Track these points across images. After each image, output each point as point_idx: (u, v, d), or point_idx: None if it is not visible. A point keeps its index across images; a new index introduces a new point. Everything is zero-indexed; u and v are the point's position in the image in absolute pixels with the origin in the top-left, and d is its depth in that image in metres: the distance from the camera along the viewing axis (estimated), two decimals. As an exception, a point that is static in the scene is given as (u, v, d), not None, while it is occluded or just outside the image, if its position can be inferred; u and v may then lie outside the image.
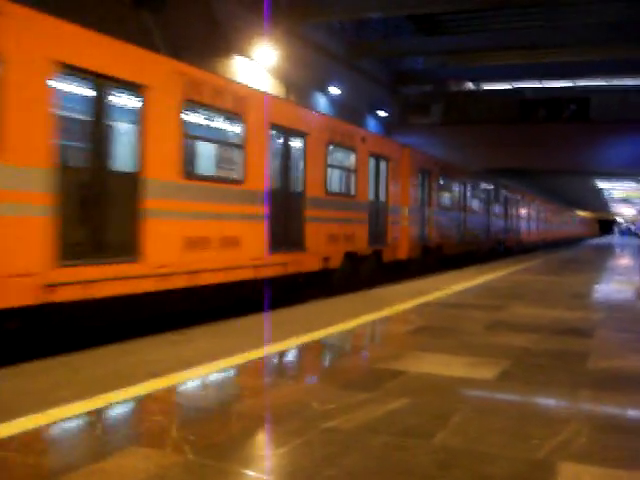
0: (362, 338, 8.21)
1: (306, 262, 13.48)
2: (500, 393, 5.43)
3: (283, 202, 12.83)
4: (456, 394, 5.31)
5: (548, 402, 5.27)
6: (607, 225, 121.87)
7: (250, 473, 3.62)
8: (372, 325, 8.93)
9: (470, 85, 51.08)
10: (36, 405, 4.60)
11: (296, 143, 13.59)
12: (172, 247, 9.70)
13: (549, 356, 6.82)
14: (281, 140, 12.99)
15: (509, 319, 9.46)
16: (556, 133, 40.11)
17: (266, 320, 9.26)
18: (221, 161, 12.30)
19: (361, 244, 16.06)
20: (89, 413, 4.55)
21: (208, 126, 11.84)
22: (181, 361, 6.16)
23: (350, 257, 15.53)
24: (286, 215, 12.94)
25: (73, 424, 4.39)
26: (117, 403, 4.79)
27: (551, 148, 39.73)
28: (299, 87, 30.10)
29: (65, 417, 4.44)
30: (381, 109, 40.25)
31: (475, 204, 28.81)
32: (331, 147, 14.87)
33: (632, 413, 5.10)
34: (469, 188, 27.47)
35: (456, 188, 25.46)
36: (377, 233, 17.04)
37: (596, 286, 16.08)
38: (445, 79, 46.57)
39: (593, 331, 8.54)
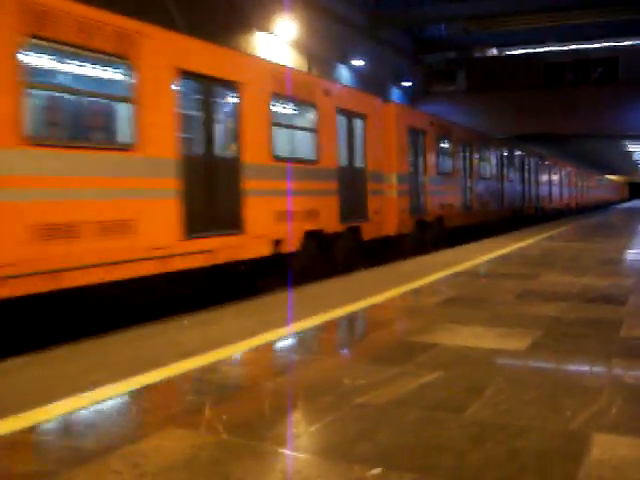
0: (391, 311, 8.19)
1: (246, 247, 11.28)
2: (532, 364, 5.40)
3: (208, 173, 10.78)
4: (488, 366, 5.29)
5: (580, 372, 5.23)
6: (638, 188, 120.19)
7: (284, 451, 3.64)
8: (401, 298, 8.91)
9: (494, 51, 50.47)
10: (71, 389, 4.66)
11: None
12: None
13: (581, 325, 6.77)
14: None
15: (539, 288, 9.40)
16: (583, 96, 39.65)
17: (291, 297, 9.29)
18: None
19: (329, 220, 13.89)
20: (123, 395, 4.61)
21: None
22: (210, 341, 6.19)
23: (314, 237, 13.43)
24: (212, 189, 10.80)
25: (108, 406, 4.44)
26: (150, 385, 4.84)
27: (578, 112, 39.28)
28: (321, 60, 29.94)
29: (100, 400, 4.49)
30: (405, 79, 39.93)
31: (484, 169, 26.27)
32: (277, 102, 12.54)
33: (667, 381, 5.05)
34: (476, 151, 24.96)
35: (459, 151, 22.95)
36: (352, 206, 14.80)
37: (628, 252, 15.89)
38: (468, 46, 46.09)
39: (626, 298, 8.44)
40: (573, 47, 47.07)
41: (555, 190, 41.89)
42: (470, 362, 5.37)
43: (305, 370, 5.30)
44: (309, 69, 28.17)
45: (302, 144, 13.53)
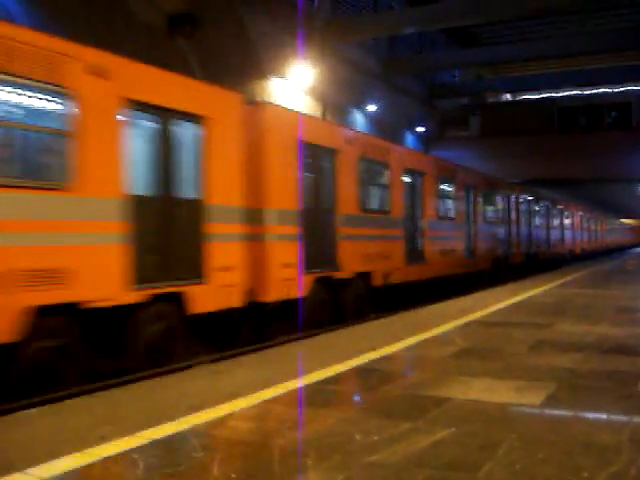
0: (402, 363, 8.09)
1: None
2: (547, 420, 5.31)
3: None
4: (502, 422, 5.18)
5: (597, 428, 5.11)
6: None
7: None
8: (412, 349, 8.81)
9: (507, 96, 50.80)
10: (79, 443, 4.60)
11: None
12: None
13: (597, 378, 6.67)
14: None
15: (553, 338, 9.28)
16: (596, 141, 39.68)
17: (301, 346, 9.23)
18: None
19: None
20: (130, 451, 4.54)
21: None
22: (220, 393, 6.12)
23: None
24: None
25: (115, 462, 4.37)
26: (158, 440, 4.77)
27: (591, 156, 39.29)
28: (336, 105, 30.16)
29: (107, 455, 4.43)
30: (418, 124, 40.15)
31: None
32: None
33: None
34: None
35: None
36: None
37: (643, 298, 15.78)
38: (481, 91, 46.42)
39: (642, 349, 8.33)
40: (586, 92, 47.33)
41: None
42: (484, 418, 5.27)
43: (316, 425, 5.21)
44: (324, 114, 28.36)
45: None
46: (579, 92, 47.62)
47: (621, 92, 45.39)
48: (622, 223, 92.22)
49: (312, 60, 26.02)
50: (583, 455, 4.37)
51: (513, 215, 28.45)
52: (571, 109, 42.97)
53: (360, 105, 33.16)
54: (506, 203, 27.56)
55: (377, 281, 15.50)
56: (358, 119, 33.12)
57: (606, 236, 67.24)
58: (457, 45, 43.16)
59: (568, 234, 42.52)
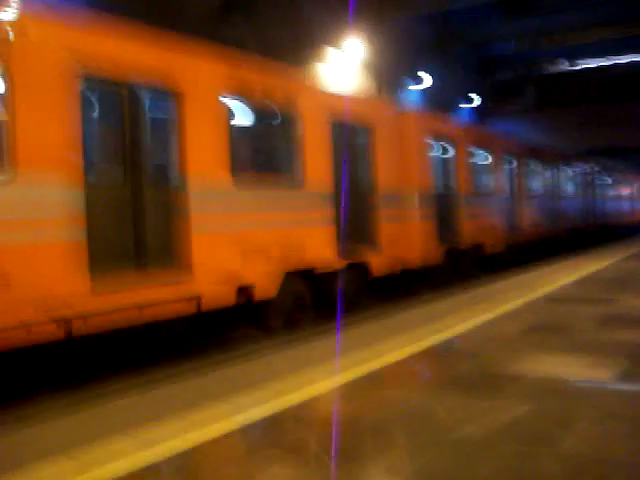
0: (475, 341, 8.28)
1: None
2: (622, 395, 5.46)
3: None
4: (578, 398, 5.36)
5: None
6: None
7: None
8: (483, 326, 8.99)
9: (564, 65, 49.83)
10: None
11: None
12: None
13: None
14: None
15: (622, 313, 9.36)
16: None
17: (373, 325, 9.52)
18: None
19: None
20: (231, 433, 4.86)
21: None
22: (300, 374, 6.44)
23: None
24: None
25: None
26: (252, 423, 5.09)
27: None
28: (390, 77, 30.12)
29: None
30: (473, 97, 39.80)
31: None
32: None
33: None
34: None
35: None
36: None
37: None
38: (538, 61, 45.59)
39: None
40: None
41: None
42: (559, 394, 5.46)
43: (402, 403, 5.47)
44: (379, 87, 28.36)
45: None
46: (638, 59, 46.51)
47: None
48: None
49: (366, 33, 25.99)
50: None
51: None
52: (629, 76, 42.04)
53: (415, 78, 33.01)
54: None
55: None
56: (413, 92, 33.00)
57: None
58: (512, 15, 42.45)
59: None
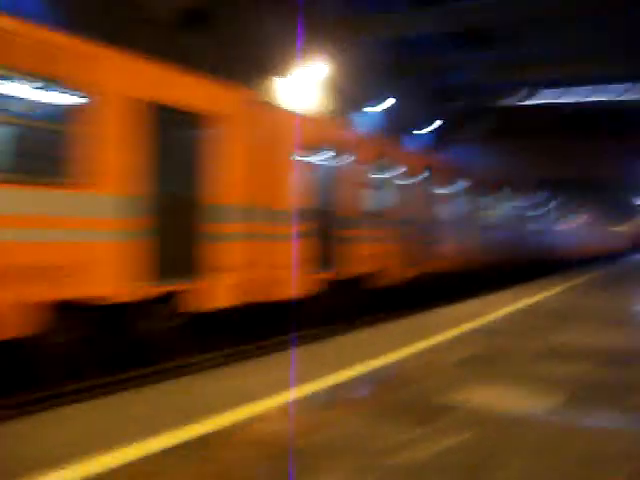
0: (412, 369, 8.30)
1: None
2: (555, 429, 5.49)
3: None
4: (512, 430, 5.39)
5: (604, 439, 5.28)
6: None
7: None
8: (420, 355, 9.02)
9: (516, 98, 50.78)
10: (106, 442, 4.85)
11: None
12: None
13: (603, 387, 6.87)
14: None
15: (557, 346, 9.48)
16: (598, 146, 39.92)
17: (307, 353, 9.46)
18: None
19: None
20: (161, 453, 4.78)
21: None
22: (240, 394, 6.37)
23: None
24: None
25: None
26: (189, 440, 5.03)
27: (598, 160, 39.46)
28: (348, 102, 30.35)
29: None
30: (427, 124, 40.31)
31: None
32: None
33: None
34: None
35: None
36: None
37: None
38: (493, 92, 46.39)
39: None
40: (596, 99, 47.35)
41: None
42: (493, 425, 5.49)
43: (334, 428, 5.45)
44: (335, 112, 28.55)
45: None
46: (587, 97, 47.65)
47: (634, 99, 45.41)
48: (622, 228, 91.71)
49: (325, 56, 26.20)
50: (590, 464, 4.59)
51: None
52: (579, 112, 43.02)
53: (370, 104, 33.31)
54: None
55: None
56: (368, 118, 33.28)
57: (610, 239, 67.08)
58: (470, 46, 43.18)
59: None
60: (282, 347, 10.49)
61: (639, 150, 38.61)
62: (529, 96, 48.64)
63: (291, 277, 12.08)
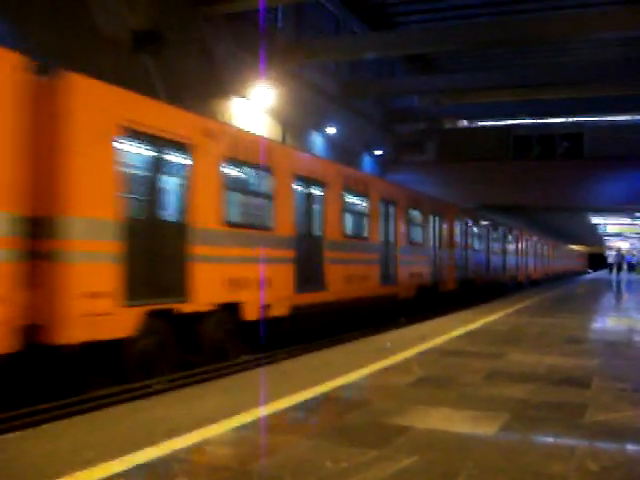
0: (362, 391, 8.43)
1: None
2: (501, 449, 5.67)
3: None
4: (460, 451, 5.54)
5: (547, 458, 5.46)
6: (599, 259, 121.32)
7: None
8: (370, 377, 9.16)
9: (464, 122, 51.77)
10: (62, 469, 4.85)
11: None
12: None
13: (547, 409, 7.08)
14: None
15: (506, 368, 9.71)
16: (550, 170, 40.73)
17: (265, 374, 9.55)
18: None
19: None
20: (116, 476, 4.80)
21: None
22: (195, 418, 6.41)
23: None
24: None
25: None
26: (140, 465, 5.04)
27: (545, 184, 40.28)
28: (295, 127, 30.56)
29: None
30: (376, 148, 40.76)
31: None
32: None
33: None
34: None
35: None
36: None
37: (591, 328, 16.38)
38: (439, 117, 47.26)
39: (590, 380, 8.79)
40: (541, 121, 48.57)
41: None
42: (443, 446, 5.63)
43: (288, 451, 5.52)
44: (283, 136, 28.75)
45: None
46: (533, 121, 48.84)
47: (574, 123, 46.66)
48: (573, 250, 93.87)
49: (273, 81, 26.42)
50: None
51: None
52: (525, 137, 43.96)
53: (319, 127, 33.62)
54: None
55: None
56: (317, 141, 33.57)
57: (557, 262, 68.17)
58: (416, 71, 43.97)
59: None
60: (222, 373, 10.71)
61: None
62: (477, 119, 49.67)
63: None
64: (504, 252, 38.53)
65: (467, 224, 30.28)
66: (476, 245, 31.97)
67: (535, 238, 52.27)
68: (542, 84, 38.43)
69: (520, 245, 44.05)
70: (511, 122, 48.74)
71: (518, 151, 43.41)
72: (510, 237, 40.86)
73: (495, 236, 36.30)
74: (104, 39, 19.04)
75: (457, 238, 28.14)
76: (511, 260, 40.74)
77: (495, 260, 35.81)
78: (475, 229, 31.95)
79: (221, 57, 24.95)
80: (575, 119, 47.78)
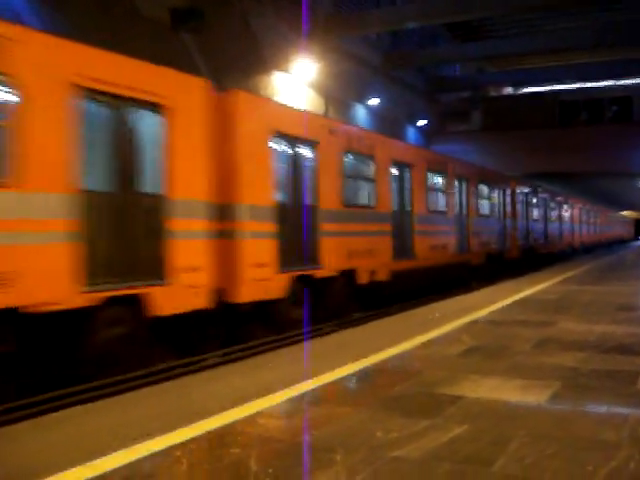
0: (414, 362, 8.48)
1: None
2: (553, 417, 5.69)
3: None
4: (512, 419, 5.57)
5: (600, 426, 5.47)
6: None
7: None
8: (423, 347, 9.20)
9: (509, 90, 50.96)
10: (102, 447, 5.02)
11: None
12: None
13: (598, 377, 7.04)
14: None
15: (556, 336, 9.67)
16: (597, 135, 39.97)
17: (319, 346, 9.68)
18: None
19: None
20: (173, 447, 4.95)
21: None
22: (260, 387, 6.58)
23: None
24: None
25: (162, 456, 4.78)
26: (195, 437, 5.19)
27: (592, 150, 39.61)
28: (338, 99, 30.48)
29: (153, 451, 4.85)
30: (420, 118, 40.44)
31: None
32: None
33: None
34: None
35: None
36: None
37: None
38: (483, 85, 46.63)
39: (641, 347, 8.72)
40: (587, 86, 47.56)
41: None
42: (494, 415, 5.67)
43: (341, 422, 5.61)
44: (326, 108, 28.70)
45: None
46: (580, 86, 47.89)
47: (622, 86, 45.66)
48: (623, 216, 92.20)
49: (315, 55, 26.34)
50: (587, 450, 4.77)
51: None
52: (572, 103, 43.28)
53: (362, 99, 33.47)
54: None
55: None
56: (360, 113, 33.44)
57: (608, 229, 67.37)
58: (459, 39, 43.39)
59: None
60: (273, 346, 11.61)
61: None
62: (522, 86, 48.84)
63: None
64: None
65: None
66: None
67: (587, 206, 51.69)
68: (586, 47, 37.67)
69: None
70: (557, 87, 47.86)
71: (565, 117, 42.76)
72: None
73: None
74: (143, 19, 19.14)
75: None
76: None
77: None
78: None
79: (262, 32, 24.92)
80: (623, 82, 46.73)
